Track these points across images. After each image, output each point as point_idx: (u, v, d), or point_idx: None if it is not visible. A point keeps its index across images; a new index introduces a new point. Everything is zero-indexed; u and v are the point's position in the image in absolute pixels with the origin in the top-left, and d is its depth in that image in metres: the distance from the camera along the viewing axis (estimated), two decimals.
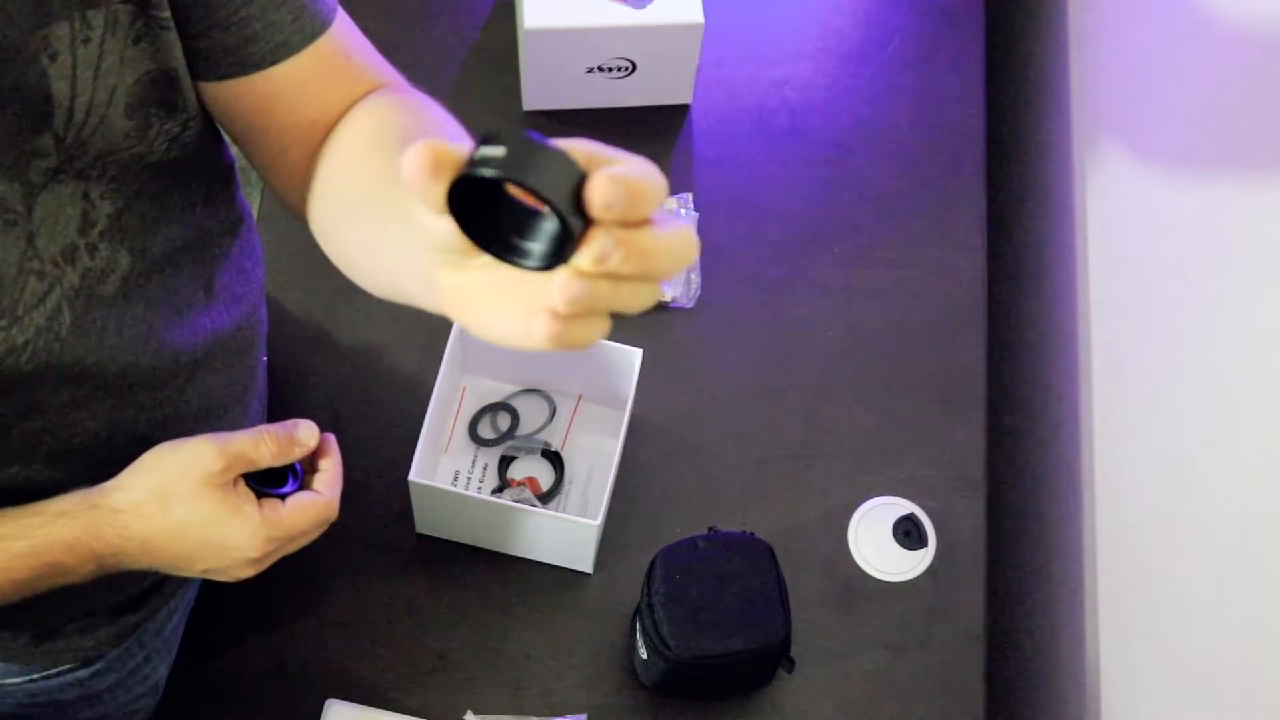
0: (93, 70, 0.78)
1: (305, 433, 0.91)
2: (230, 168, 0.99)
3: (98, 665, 1.09)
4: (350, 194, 0.85)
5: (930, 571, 1.27)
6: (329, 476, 0.94)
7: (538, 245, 0.58)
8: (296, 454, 0.91)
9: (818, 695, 1.22)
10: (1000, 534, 1.42)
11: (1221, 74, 1.10)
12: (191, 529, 0.88)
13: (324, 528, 0.94)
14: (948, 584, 1.27)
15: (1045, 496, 1.43)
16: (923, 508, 1.29)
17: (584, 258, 0.55)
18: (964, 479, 1.31)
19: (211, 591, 1.23)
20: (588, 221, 0.56)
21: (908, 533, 1.27)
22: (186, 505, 0.87)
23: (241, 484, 0.90)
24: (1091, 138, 1.40)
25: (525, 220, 0.58)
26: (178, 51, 0.83)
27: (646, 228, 0.56)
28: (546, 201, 0.55)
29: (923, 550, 1.28)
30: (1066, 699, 1.30)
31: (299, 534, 0.92)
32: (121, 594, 1.05)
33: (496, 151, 0.55)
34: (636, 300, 0.58)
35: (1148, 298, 1.22)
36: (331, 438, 0.96)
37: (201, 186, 0.94)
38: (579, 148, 0.56)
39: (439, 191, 0.56)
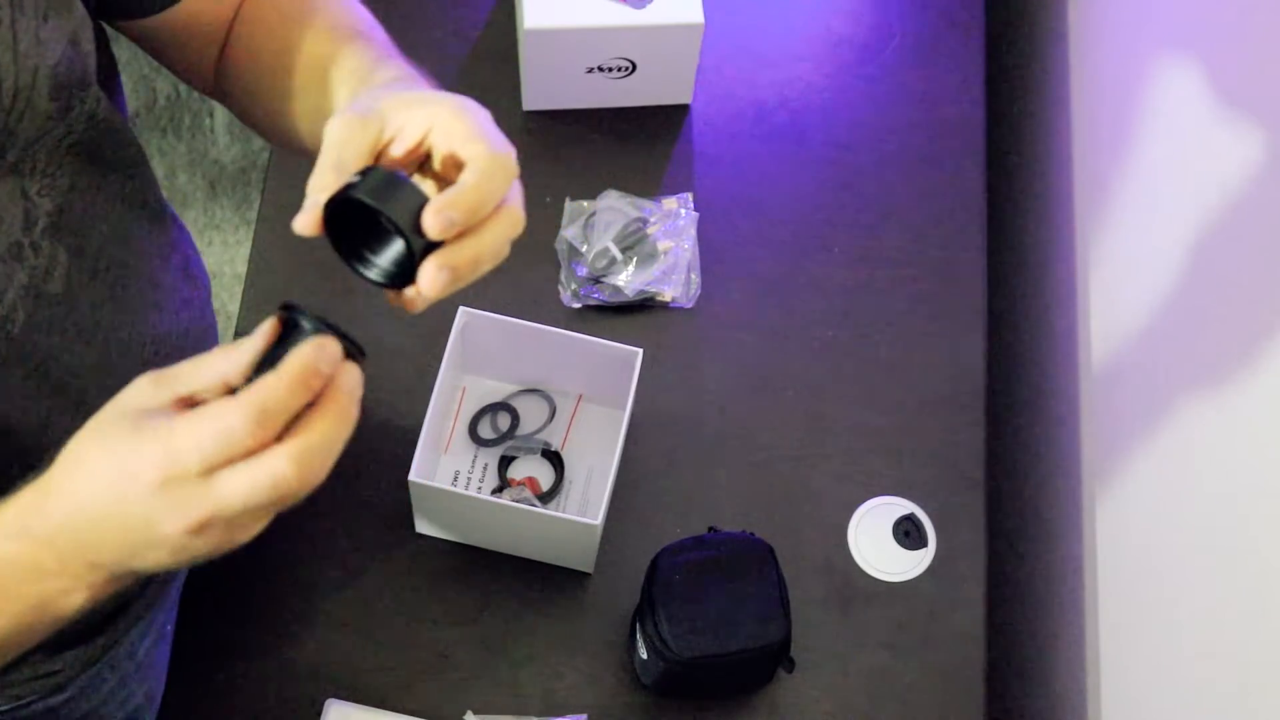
0: (11, 52, 0.77)
1: (267, 326, 0.68)
2: (144, 162, 0.98)
3: (68, 692, 1.04)
4: (262, 58, 0.93)
5: (930, 571, 1.27)
6: (308, 438, 0.66)
7: (384, 262, 0.73)
8: (252, 355, 0.67)
9: (818, 695, 1.22)
10: (1000, 534, 1.42)
11: (1221, 73, 1.10)
12: (100, 470, 0.66)
13: (277, 494, 0.65)
14: (948, 584, 1.27)
15: (1045, 496, 1.43)
16: (923, 508, 1.29)
17: (423, 280, 0.71)
18: (964, 479, 1.31)
19: (212, 590, 1.23)
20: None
21: (908, 533, 1.27)
22: (87, 446, 0.67)
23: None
24: (1091, 138, 1.40)
25: (381, 240, 0.73)
26: (78, 12, 0.82)
27: (476, 233, 0.72)
28: (391, 224, 0.70)
29: (923, 550, 1.28)
30: (1066, 699, 1.30)
31: (203, 461, 0.64)
32: (83, 617, 1.00)
33: (359, 181, 0.71)
34: (498, 240, 0.74)
35: (1148, 297, 1.22)
36: (352, 370, 0.69)
37: (121, 181, 0.94)
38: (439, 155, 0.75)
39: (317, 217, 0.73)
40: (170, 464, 0.64)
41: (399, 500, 1.23)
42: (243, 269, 2.16)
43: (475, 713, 1.19)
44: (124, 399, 0.67)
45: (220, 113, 2.40)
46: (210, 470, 0.64)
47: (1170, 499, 1.12)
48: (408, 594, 1.24)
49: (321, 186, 0.73)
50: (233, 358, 0.66)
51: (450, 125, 0.75)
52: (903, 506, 1.29)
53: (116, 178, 0.93)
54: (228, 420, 0.63)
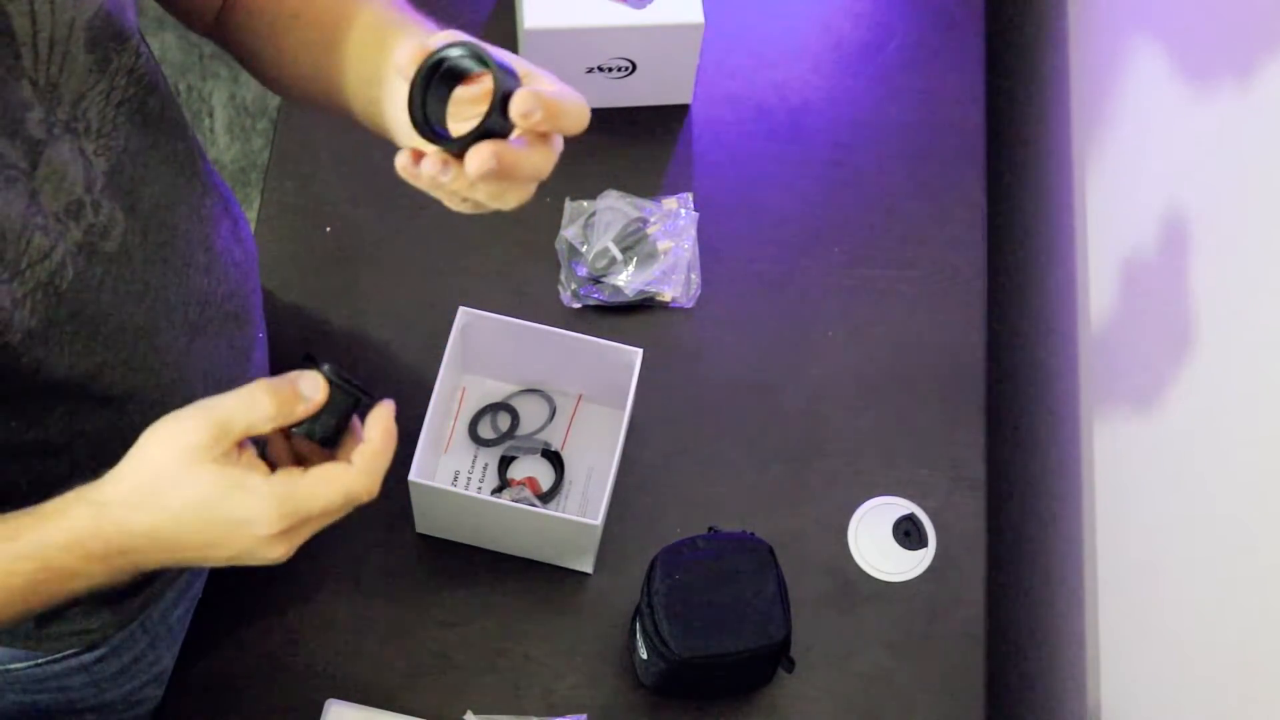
0: (49, 5, 0.79)
1: (309, 385, 0.80)
2: (186, 127, 0.99)
3: (102, 650, 1.09)
4: (278, 13, 0.96)
5: (930, 571, 1.27)
6: (370, 448, 0.81)
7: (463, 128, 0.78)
8: (301, 411, 0.80)
9: (818, 695, 1.22)
10: (1000, 534, 1.42)
11: (1221, 73, 1.10)
12: (191, 511, 0.79)
13: (354, 504, 0.82)
14: (948, 584, 1.27)
15: (1045, 496, 1.43)
16: (923, 508, 1.29)
17: (515, 108, 0.75)
18: (964, 479, 1.31)
19: (212, 590, 1.23)
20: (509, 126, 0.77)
21: (908, 533, 1.27)
22: (181, 488, 0.78)
23: (248, 453, 0.80)
24: (1091, 137, 1.40)
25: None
26: None
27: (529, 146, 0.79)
28: (495, 70, 0.76)
29: (923, 550, 1.28)
30: (1066, 699, 1.30)
31: (320, 511, 0.81)
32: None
33: (459, 49, 0.78)
34: (537, 166, 0.79)
35: (1147, 297, 1.22)
36: (388, 407, 0.83)
37: (169, 143, 0.95)
38: (521, 63, 0.79)
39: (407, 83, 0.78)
40: (289, 514, 0.79)
41: (399, 500, 1.23)
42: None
43: (475, 713, 1.19)
44: (176, 444, 0.79)
45: (220, 112, 2.40)
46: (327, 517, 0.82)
47: (1171, 499, 1.12)
48: (408, 594, 1.24)
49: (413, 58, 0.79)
50: (279, 404, 0.80)
51: (529, 67, 0.80)
52: (903, 506, 1.29)
53: (165, 141, 0.94)
54: (347, 487, 0.81)
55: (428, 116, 0.79)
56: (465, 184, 0.79)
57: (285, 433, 0.83)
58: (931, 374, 1.36)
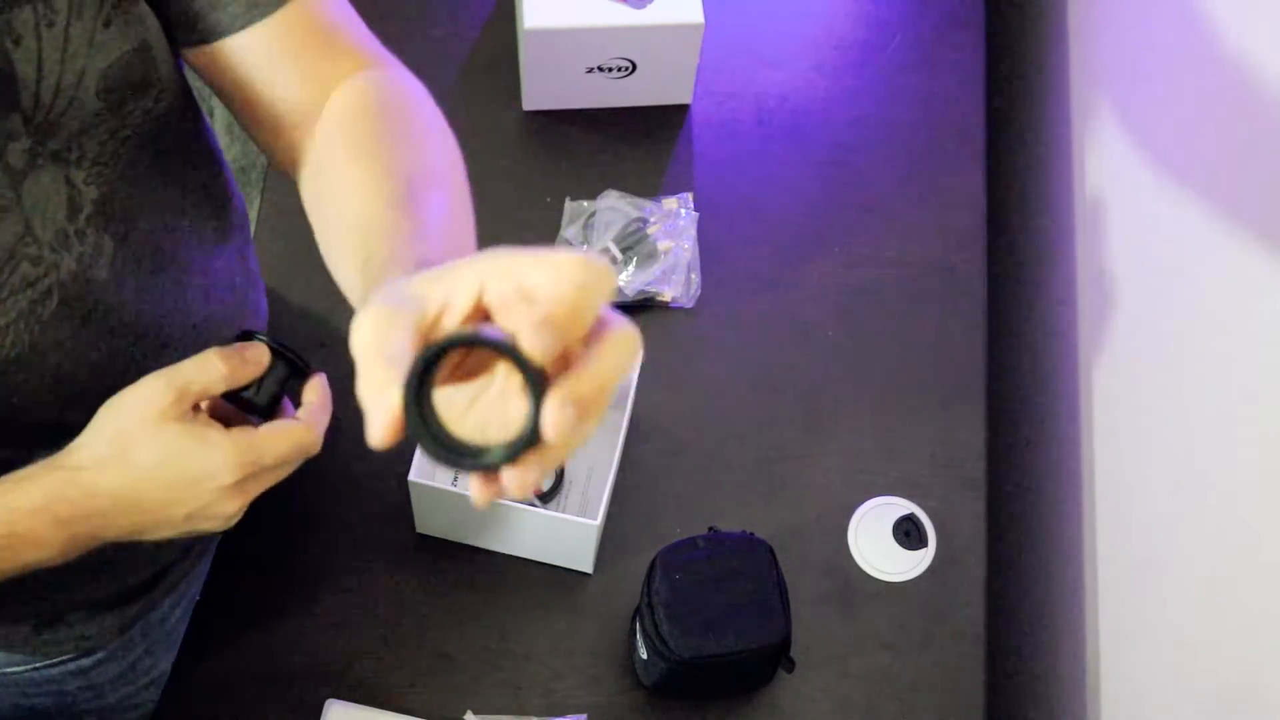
0: (59, 53, 0.78)
1: (253, 353, 0.85)
2: (213, 151, 0.99)
3: (100, 654, 1.09)
4: (325, 206, 0.86)
5: (930, 571, 1.27)
6: (313, 407, 0.88)
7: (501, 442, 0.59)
8: (249, 372, 0.85)
9: (818, 695, 1.22)
10: (1000, 534, 1.42)
11: (1221, 73, 1.10)
12: (159, 470, 0.82)
13: (304, 456, 0.87)
14: (948, 584, 1.27)
15: (1045, 496, 1.43)
16: (923, 508, 1.29)
17: (548, 418, 0.56)
18: (964, 479, 1.31)
19: (212, 590, 1.23)
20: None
21: (908, 533, 1.27)
22: (148, 446, 0.82)
23: (203, 412, 0.84)
24: (1091, 137, 1.40)
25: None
26: (151, 25, 0.83)
27: (588, 357, 0.58)
28: (507, 351, 0.57)
29: (923, 550, 1.28)
30: (1066, 699, 1.30)
31: (276, 461, 0.85)
32: (123, 583, 1.06)
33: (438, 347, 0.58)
34: (606, 399, 0.59)
35: (1147, 297, 1.22)
36: (322, 376, 0.89)
37: (181, 169, 0.94)
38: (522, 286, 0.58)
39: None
40: (248, 463, 0.83)
41: (399, 500, 1.23)
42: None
43: (475, 713, 1.19)
44: (143, 406, 0.82)
45: (221, 112, 2.40)
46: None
47: (1171, 499, 1.12)
48: (408, 594, 1.24)
49: (378, 384, 0.58)
50: (231, 367, 0.84)
51: (505, 268, 0.59)
52: (903, 506, 1.29)
53: (178, 167, 0.93)
54: (299, 440, 0.85)
55: (437, 434, 0.60)
56: (563, 441, 0.58)
57: (229, 399, 0.88)
58: (931, 374, 1.36)
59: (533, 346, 0.56)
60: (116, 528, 0.85)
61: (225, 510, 0.85)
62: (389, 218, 0.77)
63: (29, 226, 0.81)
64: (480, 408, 0.61)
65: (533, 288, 0.57)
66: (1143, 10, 1.31)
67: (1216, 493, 1.04)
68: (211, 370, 0.83)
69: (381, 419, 0.58)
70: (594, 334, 0.58)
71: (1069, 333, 1.39)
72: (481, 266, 0.59)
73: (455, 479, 1.27)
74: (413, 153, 0.84)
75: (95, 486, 0.82)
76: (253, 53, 0.87)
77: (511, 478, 0.58)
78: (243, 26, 0.86)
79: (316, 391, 0.88)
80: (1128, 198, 1.29)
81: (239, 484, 0.84)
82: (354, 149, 0.84)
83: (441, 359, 0.58)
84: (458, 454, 0.59)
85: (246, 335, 0.88)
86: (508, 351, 0.56)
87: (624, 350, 0.58)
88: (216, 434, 0.83)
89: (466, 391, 0.61)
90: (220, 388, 0.84)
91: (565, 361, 0.58)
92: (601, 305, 0.58)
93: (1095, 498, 1.28)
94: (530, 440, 0.57)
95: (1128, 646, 1.18)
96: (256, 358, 0.85)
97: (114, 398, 0.84)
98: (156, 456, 0.82)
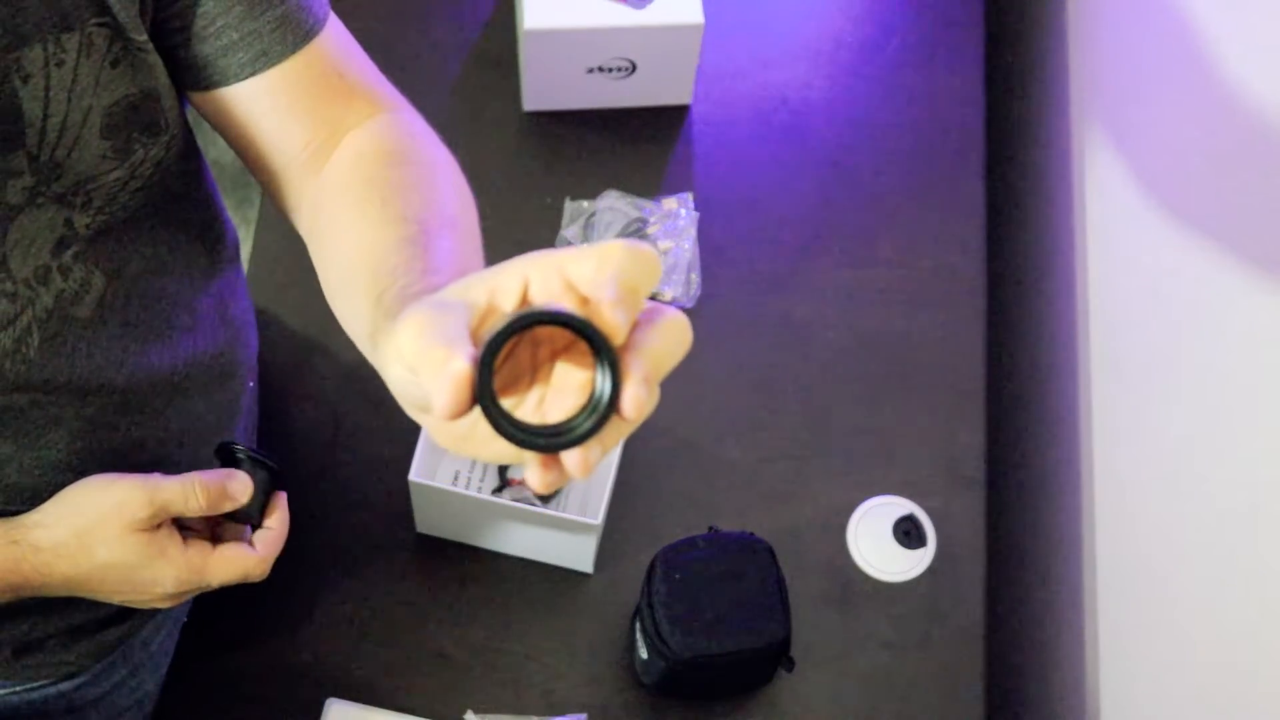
0: (66, 92, 0.78)
1: (237, 487, 0.90)
2: (210, 190, 0.99)
3: (81, 679, 1.07)
4: (333, 246, 0.84)
5: (930, 571, 1.27)
6: (270, 535, 0.94)
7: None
8: (227, 507, 0.90)
9: (818, 695, 1.22)
10: (1000, 534, 1.42)
11: (1221, 73, 1.10)
12: (114, 570, 0.88)
13: (246, 581, 0.94)
14: (948, 584, 1.27)
15: (1045, 496, 1.43)
16: (923, 508, 1.29)
17: (628, 397, 0.56)
18: (964, 479, 1.31)
19: (211, 593, 1.23)
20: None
21: (908, 533, 1.27)
22: (110, 548, 0.87)
23: (166, 526, 0.89)
24: (1091, 138, 1.40)
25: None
26: (160, 73, 0.83)
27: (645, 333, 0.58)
28: (585, 330, 0.56)
29: (923, 550, 1.28)
30: (1066, 699, 1.30)
31: (219, 583, 0.92)
32: (103, 609, 1.03)
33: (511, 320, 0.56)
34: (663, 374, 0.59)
35: (1148, 297, 1.22)
36: (283, 498, 0.95)
37: (179, 209, 0.94)
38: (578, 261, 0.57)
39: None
40: (192, 583, 0.91)
41: (399, 500, 1.23)
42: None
43: (475, 712, 1.19)
44: (118, 512, 0.87)
45: None
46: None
47: (1171, 498, 1.12)
48: (408, 594, 1.24)
49: (440, 360, 0.56)
50: (210, 502, 0.89)
51: (547, 263, 0.58)
52: (903, 506, 1.29)
53: (177, 209, 0.93)
54: (247, 569, 0.93)
55: (507, 419, 0.58)
56: (640, 418, 0.58)
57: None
58: (931, 374, 1.36)
59: (611, 323, 0.55)
60: (55, 594, 0.91)
61: (159, 605, 0.93)
62: (404, 253, 0.75)
63: (4, 263, 0.81)
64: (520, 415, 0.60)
65: (578, 280, 0.57)
66: (1142, 11, 1.31)
67: (1216, 493, 1.04)
68: (192, 501, 0.88)
69: (447, 384, 0.55)
70: (644, 321, 0.58)
71: (1069, 333, 1.39)
72: (523, 263, 0.58)
73: (455, 478, 1.27)
74: (426, 195, 0.83)
75: (50, 568, 0.88)
76: (261, 99, 0.86)
77: (575, 459, 0.57)
78: (252, 74, 0.85)
79: (276, 517, 0.94)
80: (1128, 197, 1.29)
81: (179, 594, 0.92)
82: (366, 193, 0.83)
83: (518, 335, 0.57)
84: (533, 433, 0.58)
85: (226, 448, 0.93)
86: (583, 328, 0.56)
87: (680, 333, 0.58)
88: (174, 549, 0.89)
89: (505, 403, 0.60)
90: (195, 514, 0.89)
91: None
92: (648, 292, 0.58)
93: (1095, 498, 1.28)
94: (608, 414, 0.57)
95: (1128, 646, 1.18)
96: (237, 494, 0.90)
97: (87, 483, 0.88)
98: (114, 558, 0.88)
